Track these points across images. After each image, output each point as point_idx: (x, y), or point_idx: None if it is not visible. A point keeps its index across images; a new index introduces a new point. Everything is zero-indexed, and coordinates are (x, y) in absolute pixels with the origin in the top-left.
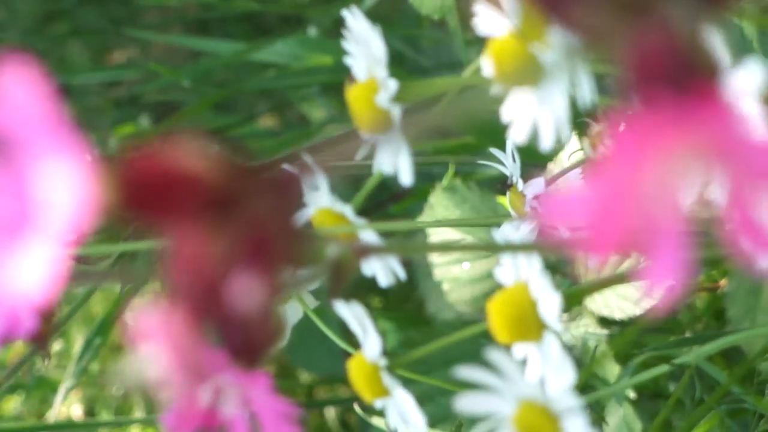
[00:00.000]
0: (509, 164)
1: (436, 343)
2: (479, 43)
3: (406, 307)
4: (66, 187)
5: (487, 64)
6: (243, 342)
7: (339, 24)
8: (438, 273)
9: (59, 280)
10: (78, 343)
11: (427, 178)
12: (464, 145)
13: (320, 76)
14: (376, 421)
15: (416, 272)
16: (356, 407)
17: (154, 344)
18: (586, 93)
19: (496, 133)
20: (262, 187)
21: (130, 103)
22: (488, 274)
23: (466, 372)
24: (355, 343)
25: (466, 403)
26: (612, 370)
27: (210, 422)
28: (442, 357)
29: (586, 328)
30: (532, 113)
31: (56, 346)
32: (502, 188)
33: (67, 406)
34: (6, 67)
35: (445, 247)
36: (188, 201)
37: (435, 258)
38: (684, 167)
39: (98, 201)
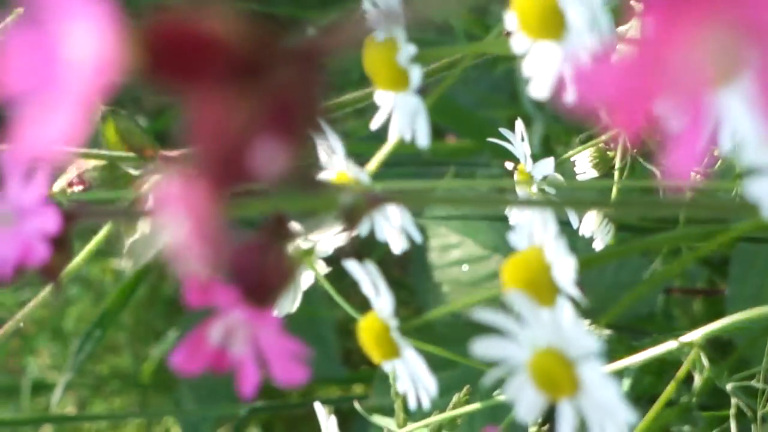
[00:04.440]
0: (517, 144)
1: (443, 308)
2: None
3: (404, 313)
4: (92, 48)
5: (510, 19)
6: (254, 280)
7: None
8: (438, 275)
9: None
10: (72, 346)
11: (425, 180)
12: (463, 148)
13: None
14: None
15: (415, 276)
16: (356, 404)
17: (174, 212)
18: (606, 37)
19: (493, 134)
20: (288, 57)
21: (129, 103)
22: (488, 276)
23: (482, 315)
24: (350, 346)
25: (481, 348)
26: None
27: (219, 361)
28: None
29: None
30: (555, 67)
31: (51, 348)
32: (512, 169)
33: (61, 408)
34: None
35: (458, 200)
36: (213, 66)
37: (435, 259)
38: (715, 43)
39: (124, 62)
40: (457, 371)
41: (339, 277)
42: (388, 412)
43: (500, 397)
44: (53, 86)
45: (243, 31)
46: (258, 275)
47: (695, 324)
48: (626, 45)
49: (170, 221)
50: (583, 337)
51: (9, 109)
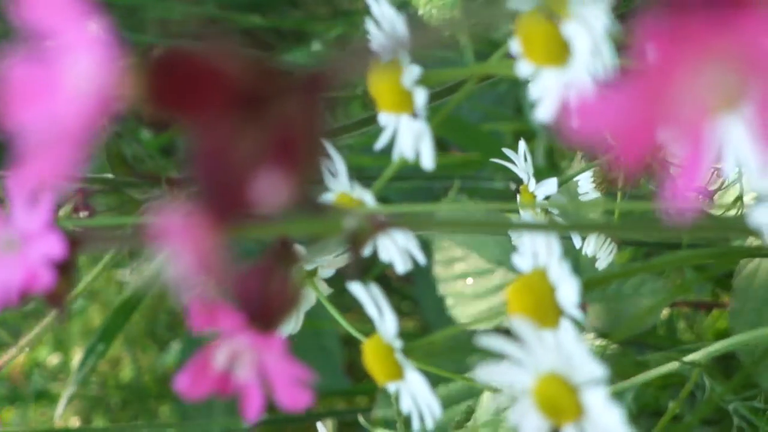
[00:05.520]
0: (521, 164)
1: (449, 329)
2: (487, 59)
3: (407, 324)
4: (97, 79)
5: (515, 44)
6: (259, 306)
7: (341, 39)
8: (442, 288)
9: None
10: (76, 356)
11: (428, 195)
12: (467, 161)
13: None
14: None
15: (418, 289)
16: (360, 418)
17: (177, 244)
18: (608, 64)
19: (498, 148)
20: (291, 88)
21: (131, 117)
22: (492, 289)
23: (486, 340)
24: (353, 357)
25: (485, 374)
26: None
27: (223, 385)
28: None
29: (590, 343)
30: (559, 92)
31: (54, 359)
32: (515, 189)
33: (65, 419)
34: None
35: (461, 224)
36: (216, 97)
37: (439, 272)
38: (716, 75)
39: (127, 93)
40: (458, 384)
41: (342, 290)
42: (392, 424)
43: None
44: (56, 117)
45: (246, 62)
46: (262, 300)
47: (699, 337)
48: (627, 75)
49: (174, 250)
50: (587, 363)
51: (12, 139)
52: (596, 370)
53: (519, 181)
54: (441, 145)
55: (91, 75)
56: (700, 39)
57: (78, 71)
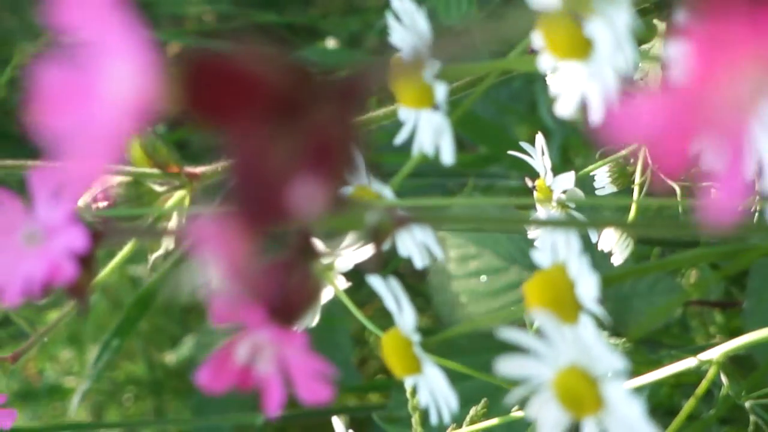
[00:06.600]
0: (538, 158)
1: (465, 325)
2: (503, 55)
3: (421, 320)
4: (132, 85)
5: (537, 39)
6: (281, 301)
7: (355, 36)
8: (456, 285)
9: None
10: (89, 351)
11: (443, 192)
12: (481, 158)
13: None
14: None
15: (431, 286)
16: (374, 416)
17: (211, 250)
18: (630, 60)
19: (512, 144)
20: (326, 94)
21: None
22: (506, 287)
23: (507, 333)
24: (366, 354)
25: (506, 366)
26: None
27: (245, 379)
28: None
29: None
30: (581, 86)
31: (67, 353)
32: (532, 184)
33: (77, 414)
34: None
35: (482, 221)
36: (252, 103)
37: (453, 270)
38: (755, 81)
39: (163, 99)
40: (475, 382)
41: (357, 286)
42: (405, 422)
43: (518, 413)
44: (91, 124)
45: (281, 70)
46: (284, 295)
47: (712, 336)
48: (663, 83)
49: (207, 257)
50: (607, 355)
51: (45, 144)
52: (616, 362)
53: (534, 178)
54: (455, 142)
55: (128, 81)
56: (737, 40)
57: (113, 77)
